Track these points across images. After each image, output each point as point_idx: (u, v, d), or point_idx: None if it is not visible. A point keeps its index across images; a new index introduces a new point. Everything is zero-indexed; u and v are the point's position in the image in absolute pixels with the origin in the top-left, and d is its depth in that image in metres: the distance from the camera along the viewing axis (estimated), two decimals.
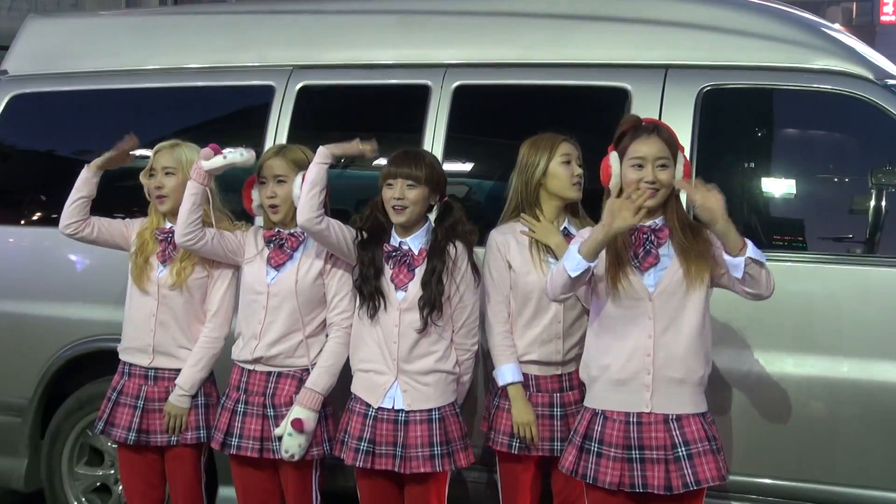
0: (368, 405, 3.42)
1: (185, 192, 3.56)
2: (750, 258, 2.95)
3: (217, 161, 3.55)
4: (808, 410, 3.59)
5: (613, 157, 3.14)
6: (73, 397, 4.40)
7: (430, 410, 3.37)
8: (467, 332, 3.46)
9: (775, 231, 3.90)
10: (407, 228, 3.43)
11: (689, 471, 3.01)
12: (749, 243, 2.98)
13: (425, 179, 3.36)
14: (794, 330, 3.61)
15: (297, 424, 3.42)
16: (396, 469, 3.34)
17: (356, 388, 3.48)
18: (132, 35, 4.81)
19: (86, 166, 3.78)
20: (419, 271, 3.38)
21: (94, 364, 4.38)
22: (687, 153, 3.60)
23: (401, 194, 3.35)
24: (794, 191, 3.93)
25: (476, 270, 3.47)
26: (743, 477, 3.61)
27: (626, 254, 3.07)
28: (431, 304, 3.34)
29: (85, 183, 3.77)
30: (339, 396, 3.59)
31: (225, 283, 3.75)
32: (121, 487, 4.24)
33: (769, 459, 3.62)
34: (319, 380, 3.51)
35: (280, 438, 3.47)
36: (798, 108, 3.91)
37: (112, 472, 4.41)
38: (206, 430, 3.72)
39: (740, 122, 4.02)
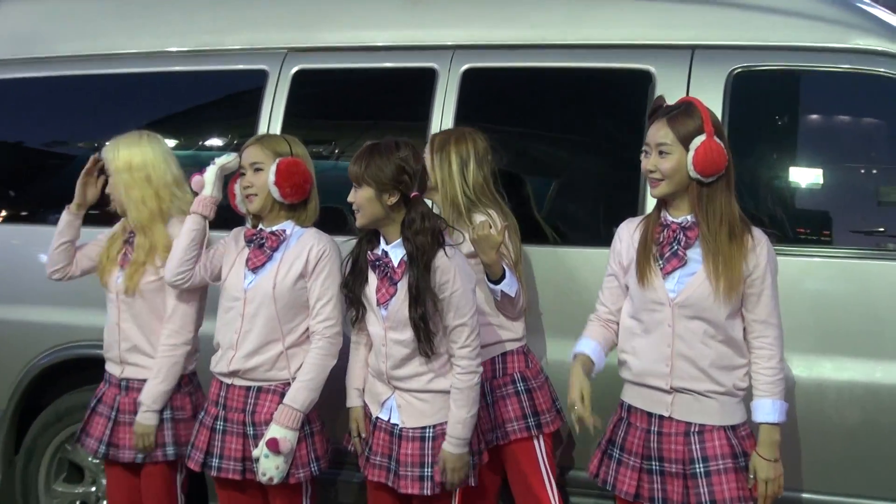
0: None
1: (184, 226, 3.43)
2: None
3: (211, 175, 3.43)
4: (847, 418, 3.44)
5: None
6: (51, 409, 4.24)
7: (423, 428, 3.15)
8: (471, 353, 3.11)
9: (807, 224, 3.75)
10: (386, 233, 3.15)
11: (706, 489, 2.89)
12: None
13: (365, 178, 3.05)
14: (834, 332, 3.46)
15: (273, 445, 3.20)
16: (389, 484, 3.18)
17: (365, 390, 3.34)
18: (112, 17, 4.63)
19: (66, 209, 3.67)
20: (402, 286, 3.11)
21: (73, 372, 4.22)
22: None
23: (352, 197, 3.11)
24: (830, 181, 3.74)
25: (468, 280, 3.12)
26: None
27: (652, 250, 2.95)
28: (419, 332, 3.06)
29: (67, 226, 3.67)
30: (324, 403, 3.41)
31: None
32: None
33: (801, 470, 3.47)
34: (298, 396, 3.27)
35: (259, 460, 3.27)
36: (836, 91, 3.73)
37: (93, 489, 4.25)
38: (175, 446, 3.54)
39: (773, 107, 3.83)
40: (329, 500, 3.86)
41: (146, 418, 3.48)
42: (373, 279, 3.16)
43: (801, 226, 3.72)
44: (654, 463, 2.96)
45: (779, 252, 3.42)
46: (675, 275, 2.90)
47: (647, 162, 2.91)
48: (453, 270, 3.05)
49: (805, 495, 3.45)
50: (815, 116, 3.93)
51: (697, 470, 2.90)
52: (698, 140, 2.84)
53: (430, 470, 3.14)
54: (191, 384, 3.61)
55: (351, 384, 3.36)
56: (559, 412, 3.52)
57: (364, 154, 3.09)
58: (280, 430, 3.21)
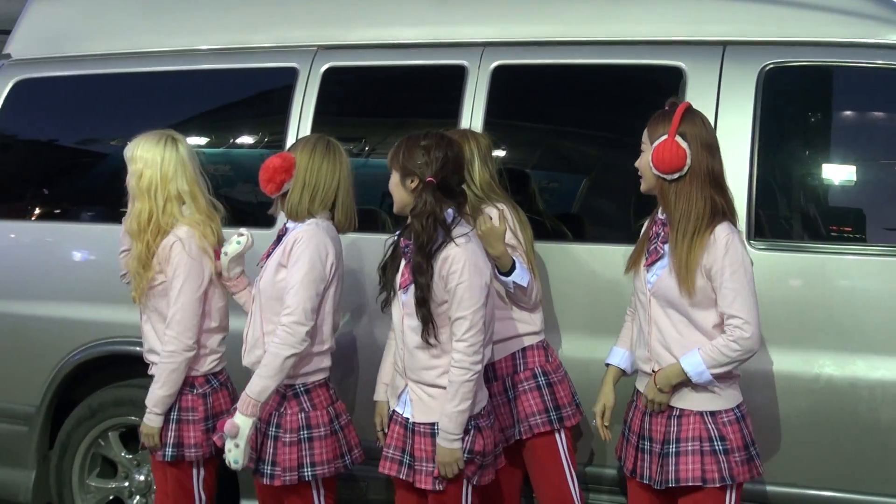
0: None
1: None
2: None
3: (224, 263, 3.48)
4: (880, 416, 3.38)
5: None
6: (84, 404, 4.21)
7: (432, 424, 3.11)
8: (468, 348, 3.03)
9: (840, 221, 3.69)
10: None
11: (672, 468, 3.00)
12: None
13: (392, 164, 3.12)
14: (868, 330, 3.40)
15: (221, 425, 3.23)
16: (403, 477, 3.15)
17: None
18: (143, 15, 4.62)
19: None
20: None
21: (106, 368, 4.21)
22: (747, 138, 3.52)
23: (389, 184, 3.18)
24: (864, 179, 3.69)
25: (478, 275, 3.05)
26: (804, 489, 3.46)
27: (645, 243, 3.10)
28: (427, 320, 3.04)
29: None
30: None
31: (177, 287, 3.42)
32: (135, 500, 4.19)
33: (835, 469, 3.43)
34: (251, 382, 3.23)
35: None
36: (869, 87, 3.67)
37: (126, 484, 4.23)
38: (180, 447, 3.48)
39: (806, 104, 3.81)
40: (359, 497, 3.84)
41: (149, 419, 3.47)
42: (403, 265, 3.18)
43: (833, 223, 3.68)
44: (645, 442, 3.09)
45: (810, 249, 3.47)
46: (655, 266, 3.04)
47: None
48: (462, 261, 3.02)
49: (837, 494, 3.42)
50: (847, 113, 3.88)
51: (670, 450, 3.00)
52: (659, 140, 2.95)
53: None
54: (208, 385, 3.53)
55: (380, 378, 3.38)
56: (578, 406, 3.51)
57: (397, 142, 3.15)
58: (237, 415, 3.20)
